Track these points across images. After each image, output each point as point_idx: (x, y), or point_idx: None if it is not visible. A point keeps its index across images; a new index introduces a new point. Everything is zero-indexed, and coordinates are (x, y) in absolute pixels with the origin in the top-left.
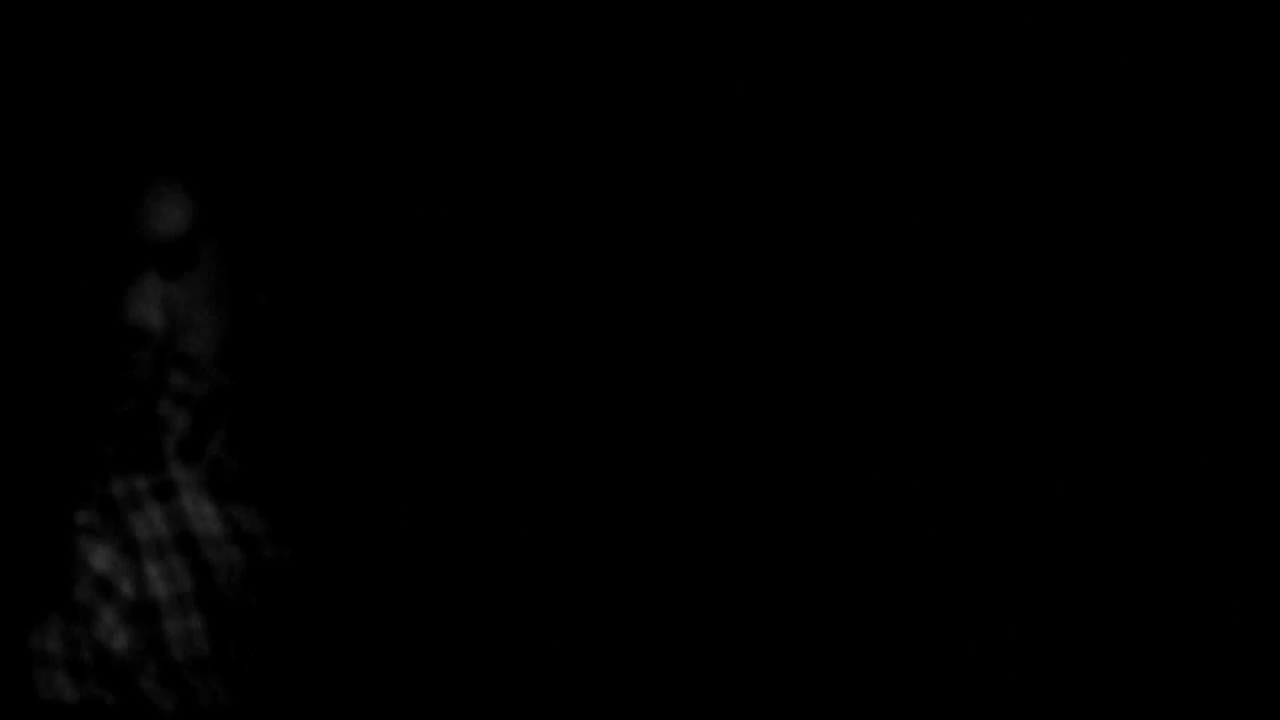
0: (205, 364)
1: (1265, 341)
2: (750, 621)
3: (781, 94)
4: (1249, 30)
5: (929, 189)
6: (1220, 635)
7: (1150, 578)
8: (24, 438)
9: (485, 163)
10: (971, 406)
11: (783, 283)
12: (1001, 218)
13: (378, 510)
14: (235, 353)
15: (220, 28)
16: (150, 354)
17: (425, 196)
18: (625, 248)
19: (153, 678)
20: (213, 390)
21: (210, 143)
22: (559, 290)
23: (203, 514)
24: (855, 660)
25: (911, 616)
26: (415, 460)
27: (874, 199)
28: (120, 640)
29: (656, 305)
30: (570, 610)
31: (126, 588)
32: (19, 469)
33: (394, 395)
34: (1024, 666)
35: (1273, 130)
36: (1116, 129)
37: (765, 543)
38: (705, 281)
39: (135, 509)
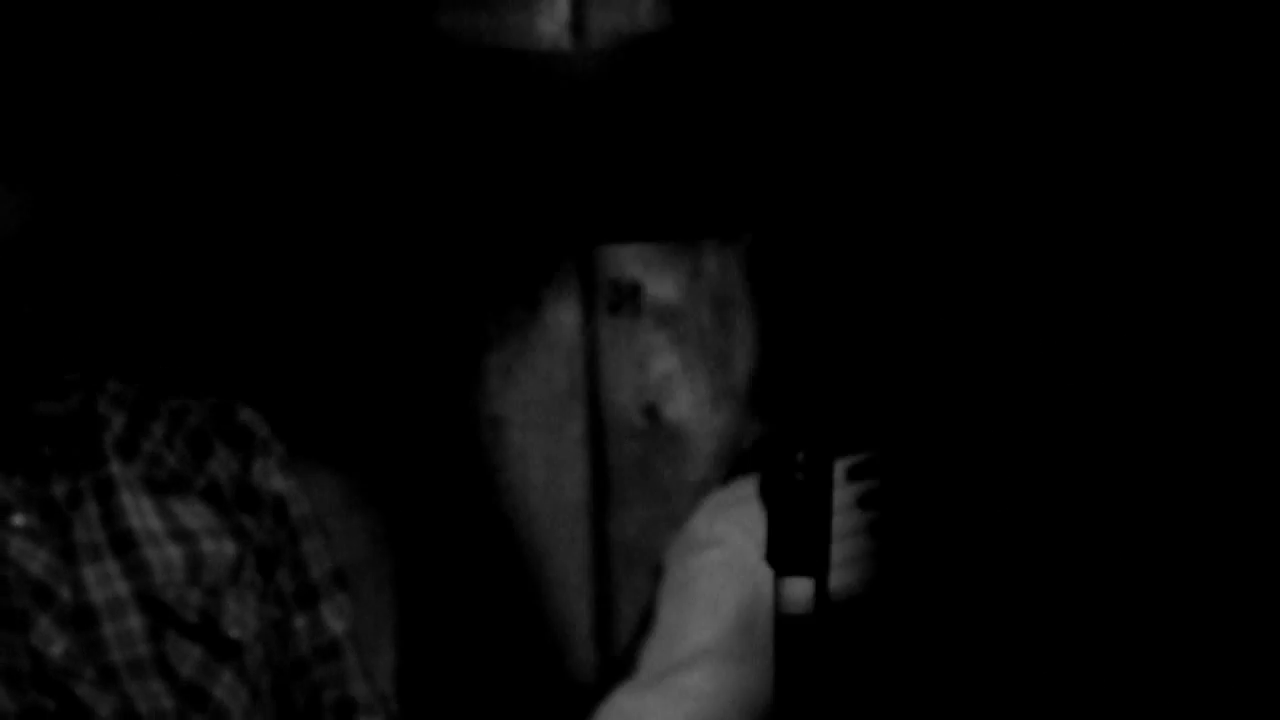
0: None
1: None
2: None
3: None
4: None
5: None
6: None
7: None
8: None
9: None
10: None
11: None
12: None
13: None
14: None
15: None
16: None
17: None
18: None
19: (91, 683)
20: (147, 387)
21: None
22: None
23: (141, 509)
24: None
25: None
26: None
27: None
28: (58, 646)
29: None
30: None
31: (65, 593)
32: None
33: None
34: None
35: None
36: None
37: None
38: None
39: (75, 508)
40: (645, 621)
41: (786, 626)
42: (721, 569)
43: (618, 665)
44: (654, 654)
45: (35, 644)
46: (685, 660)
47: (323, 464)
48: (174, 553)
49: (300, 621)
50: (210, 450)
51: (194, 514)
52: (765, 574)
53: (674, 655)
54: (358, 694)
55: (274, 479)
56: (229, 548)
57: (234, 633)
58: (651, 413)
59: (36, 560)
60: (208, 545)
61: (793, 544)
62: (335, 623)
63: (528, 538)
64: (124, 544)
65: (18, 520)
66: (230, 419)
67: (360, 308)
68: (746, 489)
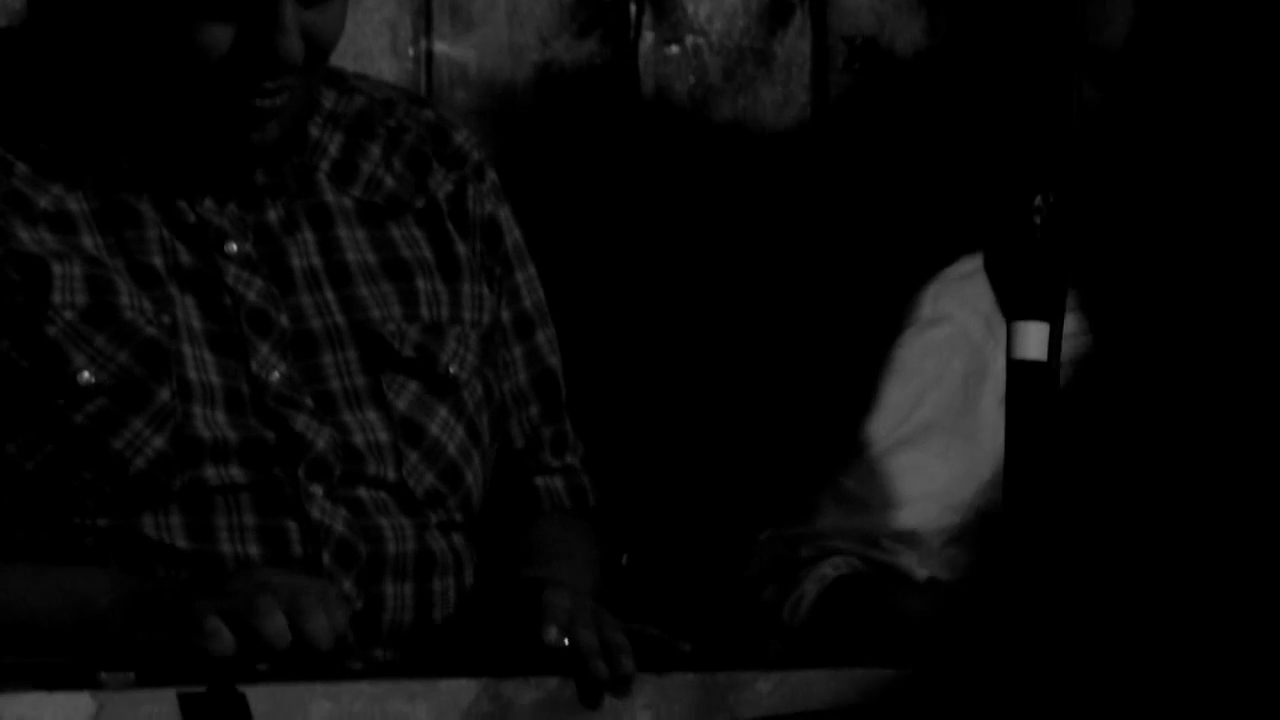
0: (357, 82)
1: None
2: None
3: None
4: None
5: None
6: None
7: None
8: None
9: None
10: None
11: None
12: None
13: None
14: None
15: None
16: (296, 78)
17: None
18: None
19: (309, 413)
20: (366, 105)
21: None
22: None
23: (357, 243)
24: None
25: None
26: None
27: None
28: (277, 372)
29: None
30: None
31: (283, 320)
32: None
33: None
34: None
35: None
36: None
37: None
38: None
39: (290, 235)
40: (863, 402)
41: (1019, 372)
42: (946, 346)
43: (827, 450)
44: (879, 431)
45: (255, 370)
46: (911, 436)
47: None
48: (389, 289)
49: (517, 351)
50: (429, 170)
51: (409, 242)
52: (990, 350)
53: (899, 432)
54: (569, 430)
55: (487, 204)
56: (441, 284)
57: (452, 369)
58: None
59: (253, 288)
60: (422, 282)
61: (1029, 287)
62: (551, 356)
63: None
64: (340, 277)
65: (233, 248)
66: (446, 140)
67: None
68: (970, 265)
